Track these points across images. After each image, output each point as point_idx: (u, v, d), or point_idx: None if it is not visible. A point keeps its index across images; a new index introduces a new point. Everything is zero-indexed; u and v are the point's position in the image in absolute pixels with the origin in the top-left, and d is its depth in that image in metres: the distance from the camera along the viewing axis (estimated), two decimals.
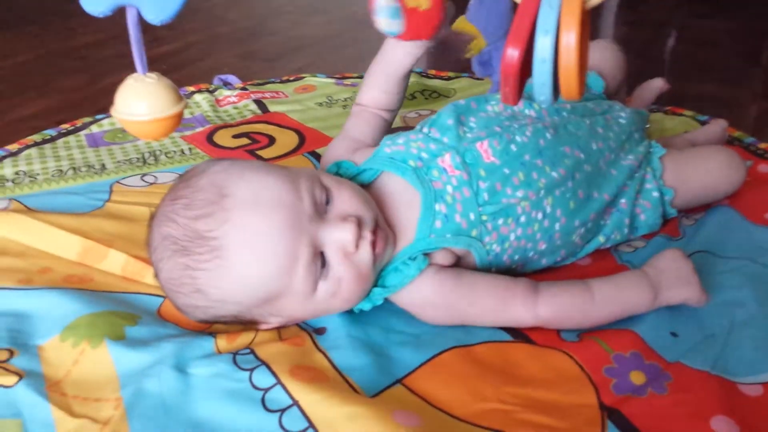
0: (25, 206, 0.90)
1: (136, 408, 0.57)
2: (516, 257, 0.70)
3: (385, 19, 0.64)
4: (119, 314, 0.67)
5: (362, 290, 0.63)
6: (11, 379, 0.60)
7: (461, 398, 0.57)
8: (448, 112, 0.73)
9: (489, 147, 0.69)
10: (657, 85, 1.06)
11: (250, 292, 0.59)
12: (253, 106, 1.24)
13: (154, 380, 0.59)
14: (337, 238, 0.60)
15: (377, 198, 0.68)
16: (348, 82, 1.37)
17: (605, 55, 0.92)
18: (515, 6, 0.88)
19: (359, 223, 0.61)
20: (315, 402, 0.55)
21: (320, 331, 0.66)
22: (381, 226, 0.64)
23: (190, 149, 1.08)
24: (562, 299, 0.64)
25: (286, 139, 1.11)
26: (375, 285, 0.66)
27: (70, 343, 0.64)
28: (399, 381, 0.60)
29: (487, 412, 0.56)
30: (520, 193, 0.68)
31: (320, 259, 0.60)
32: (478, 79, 1.31)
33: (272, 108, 1.24)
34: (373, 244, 0.61)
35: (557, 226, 0.70)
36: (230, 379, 0.59)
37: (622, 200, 0.76)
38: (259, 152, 1.06)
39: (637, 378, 0.59)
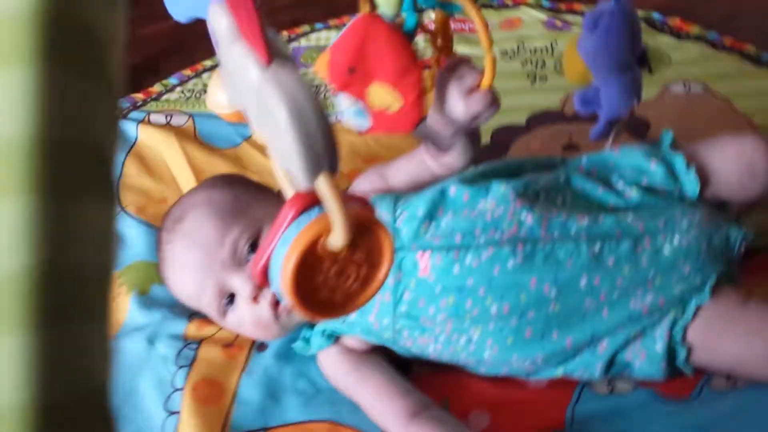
0: (194, 127, 1.11)
1: None
2: (444, 358, 0.69)
3: (349, 120, 0.64)
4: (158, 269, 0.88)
5: (265, 335, 0.73)
6: None
7: None
8: (426, 199, 0.68)
9: (429, 261, 0.66)
10: None
11: (180, 296, 0.76)
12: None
13: (131, 341, 0.80)
14: (236, 288, 0.69)
15: None
16: (563, 20, 1.21)
17: (736, 158, 0.70)
18: (630, 37, 0.75)
19: None
20: (186, 420, 0.71)
21: (261, 347, 0.78)
22: None
23: None
24: None
25: None
26: (305, 335, 0.73)
27: (119, 281, 0.88)
28: (265, 430, 0.70)
29: None
30: (441, 317, 0.65)
31: (227, 297, 0.71)
32: None
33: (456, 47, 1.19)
34: (274, 304, 0.68)
35: (486, 354, 0.66)
36: (165, 369, 0.76)
37: (603, 342, 0.65)
38: None
39: None
